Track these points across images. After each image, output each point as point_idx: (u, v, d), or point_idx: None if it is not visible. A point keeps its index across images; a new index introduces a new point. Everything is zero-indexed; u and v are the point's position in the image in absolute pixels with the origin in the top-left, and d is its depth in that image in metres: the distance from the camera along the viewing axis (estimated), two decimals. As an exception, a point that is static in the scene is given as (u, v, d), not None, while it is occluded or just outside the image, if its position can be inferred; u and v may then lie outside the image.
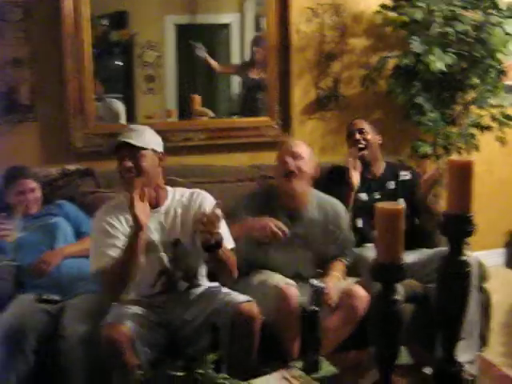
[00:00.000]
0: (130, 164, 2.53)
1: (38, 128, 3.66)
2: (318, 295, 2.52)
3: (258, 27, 4.12)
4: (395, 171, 3.46)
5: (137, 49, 3.91)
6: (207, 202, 2.69)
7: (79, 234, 3.16)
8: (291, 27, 3.90)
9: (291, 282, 2.86)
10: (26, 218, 3.06)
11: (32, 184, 3.17)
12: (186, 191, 2.74)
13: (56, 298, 2.84)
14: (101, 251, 2.52)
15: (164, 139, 2.72)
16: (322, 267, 3.05)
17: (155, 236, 2.62)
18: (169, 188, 2.73)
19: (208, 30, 4.22)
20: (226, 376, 2.01)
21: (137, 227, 2.42)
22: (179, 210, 2.67)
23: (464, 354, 2.88)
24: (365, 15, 4.10)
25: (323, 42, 4.02)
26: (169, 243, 2.63)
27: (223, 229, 2.58)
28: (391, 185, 3.41)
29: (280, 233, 2.82)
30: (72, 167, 3.49)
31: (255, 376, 2.28)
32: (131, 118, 3.93)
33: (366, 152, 3.40)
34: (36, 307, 2.75)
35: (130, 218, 2.50)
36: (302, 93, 4.06)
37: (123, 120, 3.91)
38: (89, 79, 3.63)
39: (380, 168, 3.47)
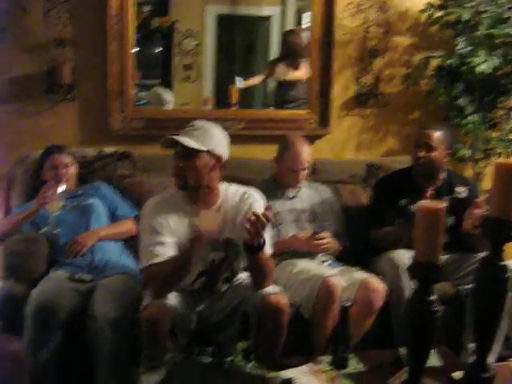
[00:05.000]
0: (179, 164, 2.51)
1: (78, 108, 3.69)
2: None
3: (298, 21, 4.11)
4: (452, 185, 3.28)
5: (176, 36, 3.94)
6: (257, 203, 2.64)
7: (115, 217, 3.18)
8: (335, 22, 3.87)
9: (334, 271, 2.87)
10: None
11: (66, 159, 3.18)
12: (239, 190, 2.68)
13: (87, 277, 2.86)
14: (149, 250, 2.50)
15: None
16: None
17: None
18: (222, 185, 2.68)
19: (248, 21, 4.23)
20: (255, 365, 2.01)
21: (196, 240, 2.41)
22: (230, 210, 2.61)
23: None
24: (410, 13, 4.05)
25: (366, 38, 3.99)
26: (219, 242, 2.58)
27: (266, 234, 2.56)
28: (444, 200, 3.10)
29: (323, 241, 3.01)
30: (109, 149, 3.51)
31: (281, 368, 2.28)
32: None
33: (423, 168, 3.21)
34: (67, 285, 2.77)
35: (179, 214, 2.55)
36: (341, 88, 4.03)
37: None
38: (130, 63, 3.66)
39: (438, 181, 3.28)
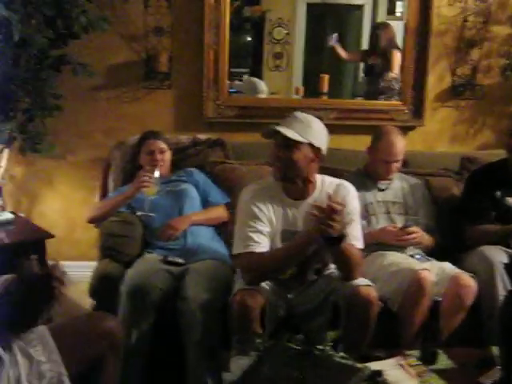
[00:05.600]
0: (279, 154, 2.53)
1: (173, 96, 3.80)
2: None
3: (392, 10, 4.05)
4: None
5: (267, 25, 3.97)
6: (350, 195, 2.64)
7: (206, 203, 3.24)
8: (432, 11, 3.78)
9: (425, 265, 2.84)
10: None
11: (161, 145, 3.26)
12: (334, 182, 2.69)
13: (180, 260, 2.92)
14: (246, 236, 2.54)
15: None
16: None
17: (301, 227, 2.61)
18: (318, 177, 2.68)
19: (340, 10, 4.21)
20: (344, 355, 2.02)
21: (310, 238, 2.46)
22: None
23: None
24: (511, 1, 3.91)
25: (464, 27, 3.88)
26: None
27: (353, 228, 2.57)
28: None
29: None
30: (203, 137, 3.57)
31: (368, 360, 2.28)
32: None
33: None
34: (160, 267, 2.85)
35: (274, 204, 2.59)
36: (436, 79, 3.94)
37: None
38: (225, 51, 3.72)
39: None
